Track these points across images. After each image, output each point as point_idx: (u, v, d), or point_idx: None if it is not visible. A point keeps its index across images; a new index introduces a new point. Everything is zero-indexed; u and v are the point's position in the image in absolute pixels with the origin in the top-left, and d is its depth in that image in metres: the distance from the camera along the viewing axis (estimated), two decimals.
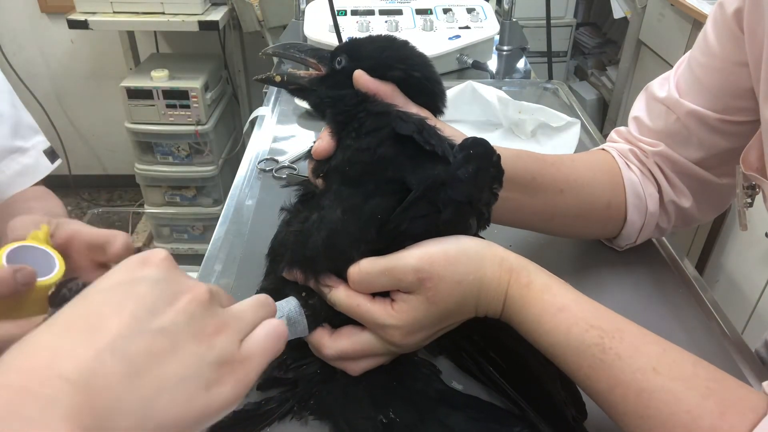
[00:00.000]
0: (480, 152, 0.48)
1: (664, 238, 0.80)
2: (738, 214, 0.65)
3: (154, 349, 0.29)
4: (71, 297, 0.32)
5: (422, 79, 0.53)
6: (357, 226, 0.47)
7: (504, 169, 0.50)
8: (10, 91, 0.74)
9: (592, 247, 0.77)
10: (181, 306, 0.31)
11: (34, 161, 0.74)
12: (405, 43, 0.54)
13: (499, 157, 0.50)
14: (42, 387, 0.26)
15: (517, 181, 0.61)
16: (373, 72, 0.52)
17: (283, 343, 0.36)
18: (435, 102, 0.55)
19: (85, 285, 0.34)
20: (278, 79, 0.54)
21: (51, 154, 0.77)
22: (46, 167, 0.76)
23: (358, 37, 0.55)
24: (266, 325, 0.36)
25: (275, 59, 2.17)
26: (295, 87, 0.55)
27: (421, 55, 0.54)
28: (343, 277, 0.48)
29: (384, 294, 0.47)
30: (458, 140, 0.50)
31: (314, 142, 0.51)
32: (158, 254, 0.33)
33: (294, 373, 0.54)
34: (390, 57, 0.53)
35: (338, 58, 0.53)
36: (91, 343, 0.28)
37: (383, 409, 0.51)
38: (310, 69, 0.55)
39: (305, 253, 0.48)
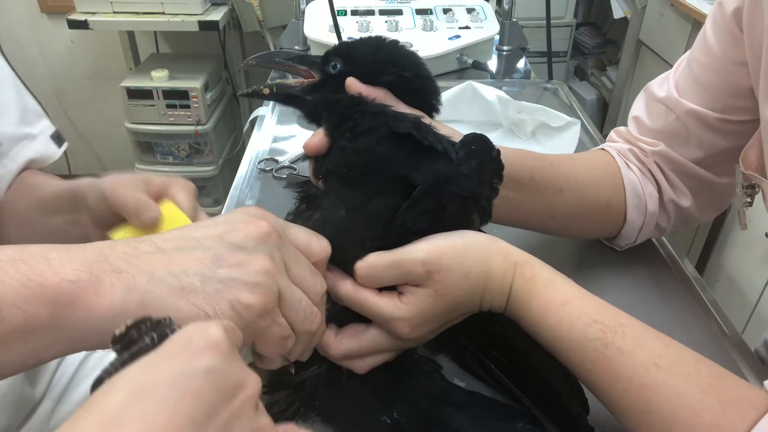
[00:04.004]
0: (481, 147, 0.49)
1: (664, 238, 0.80)
2: (738, 213, 0.65)
3: None
4: (139, 340, 0.30)
5: (413, 79, 0.53)
6: (363, 224, 0.47)
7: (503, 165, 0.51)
8: (13, 78, 0.74)
9: (592, 247, 0.77)
10: (237, 404, 0.29)
11: (43, 147, 0.73)
12: (395, 43, 0.53)
13: (498, 151, 0.50)
14: None
15: (517, 179, 0.61)
16: (365, 78, 0.51)
17: None
18: (428, 100, 0.55)
19: (154, 325, 0.31)
20: (267, 91, 0.53)
21: (57, 138, 0.76)
22: (55, 152, 0.75)
23: (347, 40, 0.54)
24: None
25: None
26: (286, 97, 0.53)
27: (412, 55, 0.54)
28: (348, 274, 0.48)
29: (389, 288, 0.48)
30: (455, 138, 0.50)
31: None
32: (216, 334, 0.30)
33: (300, 375, 0.53)
34: (382, 60, 0.52)
35: (332, 63, 0.52)
36: None
37: (388, 410, 0.51)
38: (299, 77, 0.53)
39: None
